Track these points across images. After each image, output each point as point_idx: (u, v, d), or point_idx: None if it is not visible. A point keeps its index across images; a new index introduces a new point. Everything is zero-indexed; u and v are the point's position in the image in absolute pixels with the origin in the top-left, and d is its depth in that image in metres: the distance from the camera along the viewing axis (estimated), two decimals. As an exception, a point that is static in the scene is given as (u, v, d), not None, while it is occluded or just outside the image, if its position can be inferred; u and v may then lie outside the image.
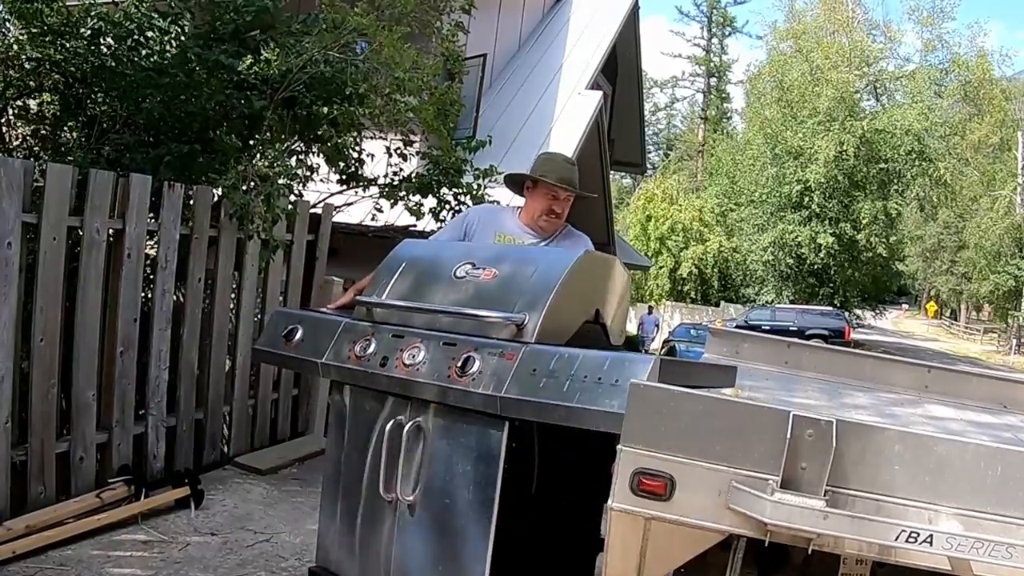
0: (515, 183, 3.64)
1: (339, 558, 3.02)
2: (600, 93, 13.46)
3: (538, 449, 2.64)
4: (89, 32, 5.10)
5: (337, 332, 2.99)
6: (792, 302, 30.36)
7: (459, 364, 2.59)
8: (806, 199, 30.54)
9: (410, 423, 2.75)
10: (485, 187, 6.62)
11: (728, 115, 57.92)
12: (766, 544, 1.94)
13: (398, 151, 6.52)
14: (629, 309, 3.29)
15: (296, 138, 5.82)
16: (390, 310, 2.91)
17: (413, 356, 2.71)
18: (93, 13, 5.14)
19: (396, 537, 2.80)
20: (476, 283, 2.82)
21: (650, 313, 26.23)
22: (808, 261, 30.90)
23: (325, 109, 5.57)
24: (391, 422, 2.79)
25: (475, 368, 2.57)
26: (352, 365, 2.86)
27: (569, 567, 3.15)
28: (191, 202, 4.88)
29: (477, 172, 6.61)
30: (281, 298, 5.79)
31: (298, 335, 3.08)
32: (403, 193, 6.43)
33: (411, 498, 2.74)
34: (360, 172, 6.29)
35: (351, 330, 2.96)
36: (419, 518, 2.75)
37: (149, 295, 4.76)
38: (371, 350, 2.83)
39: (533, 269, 2.79)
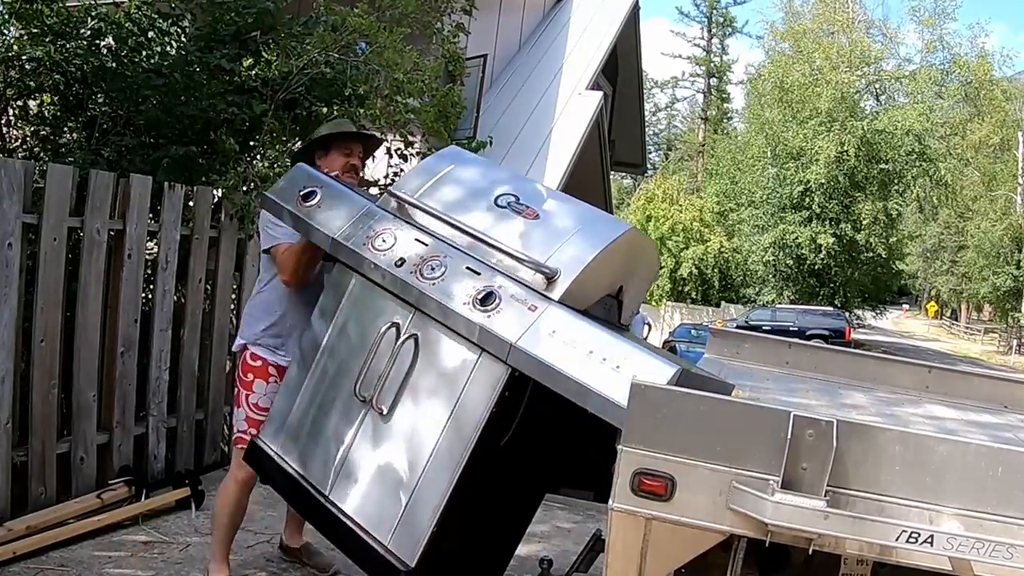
0: (306, 154, 3.56)
1: (287, 436, 2.89)
2: (600, 93, 13.48)
3: (524, 407, 2.54)
4: (89, 33, 5.10)
5: (358, 212, 2.83)
6: (793, 302, 30.36)
7: (480, 296, 2.49)
8: (807, 200, 30.53)
9: (408, 333, 2.63)
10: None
11: (728, 115, 57.89)
12: (767, 544, 1.95)
13: (398, 152, 6.52)
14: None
15: (296, 139, 5.82)
16: (419, 212, 2.75)
17: (433, 269, 2.60)
18: (94, 14, 5.15)
19: (358, 438, 2.69)
20: (515, 218, 2.67)
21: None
22: (808, 262, 30.89)
23: (325, 110, 5.57)
24: (387, 324, 2.67)
25: (494, 305, 2.46)
26: (365, 253, 2.71)
27: (495, 533, 3.09)
28: (191, 203, 4.88)
29: (478, 173, 6.60)
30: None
31: (316, 199, 2.90)
32: (403, 194, 6.43)
33: (386, 406, 2.64)
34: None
35: (373, 217, 2.79)
36: (389, 428, 2.64)
37: (150, 296, 4.76)
38: (389, 245, 2.70)
39: (579, 226, 2.65)
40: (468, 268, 2.58)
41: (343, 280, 2.86)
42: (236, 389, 3.50)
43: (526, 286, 2.50)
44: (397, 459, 2.61)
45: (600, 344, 2.33)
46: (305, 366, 2.90)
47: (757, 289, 34.68)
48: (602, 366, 2.27)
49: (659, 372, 2.23)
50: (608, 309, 2.79)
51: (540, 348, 2.36)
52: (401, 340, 2.63)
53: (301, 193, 2.94)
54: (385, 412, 2.64)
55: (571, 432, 2.61)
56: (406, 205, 2.78)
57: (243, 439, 3.38)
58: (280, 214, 3.05)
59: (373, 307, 2.76)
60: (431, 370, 2.61)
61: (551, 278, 2.48)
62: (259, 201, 3.88)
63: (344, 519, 2.66)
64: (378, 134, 6.50)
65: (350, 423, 2.72)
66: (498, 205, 2.72)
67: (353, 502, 2.67)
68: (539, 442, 2.81)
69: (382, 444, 2.65)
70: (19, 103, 5.29)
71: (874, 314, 38.96)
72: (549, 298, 2.47)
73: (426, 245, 2.67)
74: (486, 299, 2.48)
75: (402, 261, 2.65)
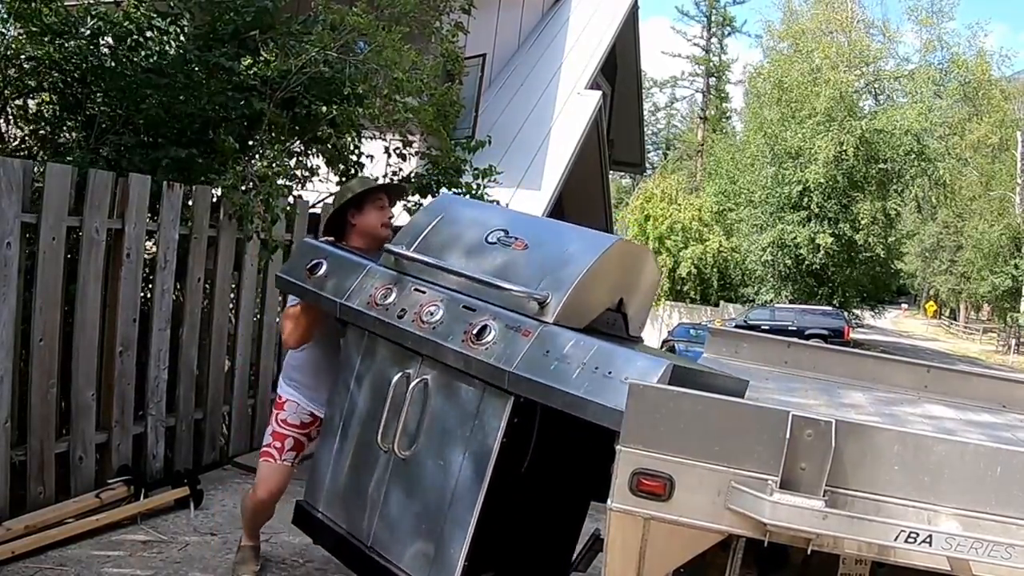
0: (336, 226, 3.56)
1: (328, 497, 3.04)
2: (599, 93, 13.47)
3: (538, 431, 2.61)
4: (88, 32, 5.10)
5: (361, 275, 2.99)
6: (791, 302, 30.35)
7: (475, 331, 2.59)
8: (805, 199, 30.51)
9: (418, 379, 2.74)
10: (484, 187, 6.61)
11: (727, 115, 57.86)
12: (765, 544, 1.95)
13: (397, 151, 6.52)
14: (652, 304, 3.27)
15: (295, 139, 5.81)
16: (416, 264, 2.89)
17: (431, 314, 2.71)
18: (93, 13, 5.14)
19: (386, 487, 2.81)
20: (506, 252, 2.79)
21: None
22: (807, 261, 30.89)
23: (324, 109, 5.57)
24: (399, 374, 2.79)
25: (490, 338, 2.55)
26: (370, 311, 2.86)
27: (543, 551, 3.14)
28: (190, 202, 4.88)
29: (476, 172, 6.60)
30: (280, 298, 5.79)
31: (322, 270, 3.08)
32: (402, 193, 6.44)
33: (406, 453, 2.75)
34: (359, 173, 6.28)
35: (374, 276, 2.96)
36: (411, 473, 2.75)
37: (148, 295, 4.75)
38: (391, 300, 2.84)
39: (565, 248, 2.75)
40: (464, 307, 2.69)
41: (357, 339, 3.02)
42: (272, 412, 3.62)
43: (521, 314, 2.59)
44: (424, 501, 2.72)
45: (590, 354, 2.39)
46: (335, 424, 3.06)
47: (756, 288, 34.66)
48: (594, 375, 2.33)
49: (650, 371, 2.26)
50: (613, 323, 2.84)
51: (534, 370, 2.44)
52: (411, 386, 2.75)
53: (308, 267, 3.13)
54: (406, 457, 2.76)
55: (593, 442, 2.62)
56: (402, 259, 2.94)
57: (267, 453, 3.53)
58: (292, 290, 3.25)
59: (384, 360, 2.91)
60: (443, 410, 2.71)
61: (543, 303, 2.57)
62: (276, 280, 3.94)
63: (389, 566, 2.78)
64: (377, 133, 6.52)
65: (379, 473, 2.86)
66: (488, 242, 2.85)
67: (393, 548, 2.79)
68: (567, 457, 2.86)
69: (409, 488, 2.77)
70: (18, 102, 5.28)
71: (873, 314, 38.94)
72: (543, 322, 2.54)
73: (423, 293, 2.80)
74: (481, 333, 2.58)
75: (403, 312, 2.79)
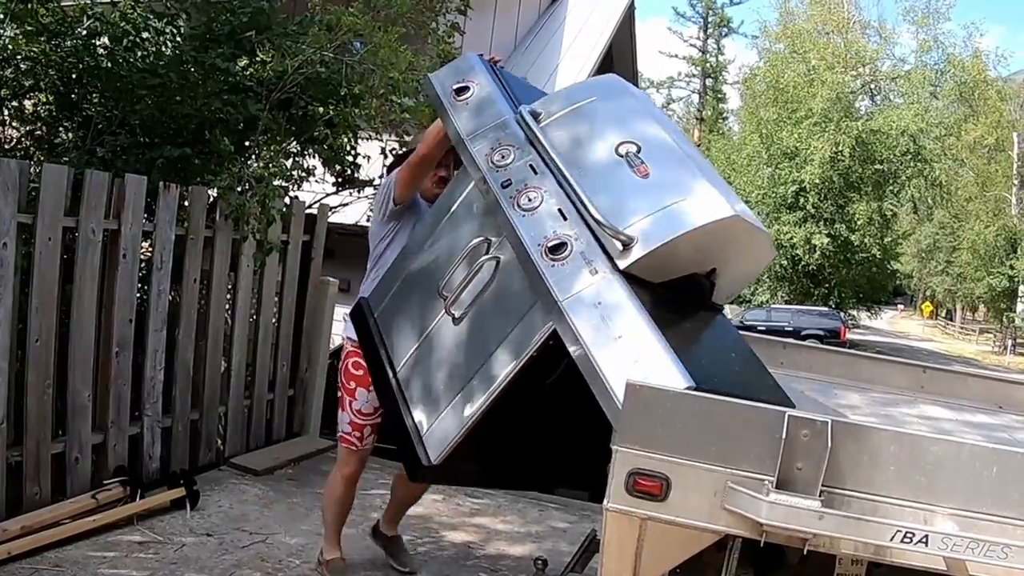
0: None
1: (385, 309, 3.10)
2: (596, 94, 13.45)
3: (566, 367, 2.48)
4: (85, 32, 5.09)
5: (494, 123, 2.82)
6: (787, 302, 30.39)
7: (553, 243, 2.47)
8: (801, 200, 30.55)
9: (492, 254, 2.68)
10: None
11: (724, 115, 57.88)
12: (762, 544, 1.95)
13: (394, 152, 6.51)
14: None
15: (292, 139, 5.81)
16: (538, 141, 2.71)
17: (530, 200, 2.58)
18: (89, 13, 5.14)
19: (431, 332, 2.85)
20: (625, 172, 2.59)
21: None
22: (803, 262, 30.92)
23: (321, 110, 5.56)
24: (480, 238, 2.72)
25: (562, 255, 2.44)
26: (482, 163, 2.73)
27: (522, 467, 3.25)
28: (186, 203, 4.87)
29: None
30: (276, 298, 5.78)
31: (468, 94, 2.92)
32: (399, 194, 6.42)
33: (459, 313, 2.74)
34: (356, 174, 6.28)
35: (504, 131, 2.78)
36: (452, 334, 2.77)
37: (145, 295, 4.75)
38: (505, 163, 2.70)
39: (681, 197, 2.53)
40: (559, 210, 2.55)
41: (464, 179, 2.93)
42: (339, 392, 3.70)
43: (600, 246, 2.45)
44: (453, 364, 2.75)
45: (633, 332, 2.26)
46: (418, 246, 3.06)
47: (752, 289, 34.67)
48: (623, 355, 2.23)
49: (671, 381, 2.14)
50: (697, 288, 2.72)
51: (577, 314, 2.34)
52: (485, 258, 2.70)
53: (456, 87, 2.96)
54: (456, 318, 2.76)
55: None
56: (533, 130, 2.75)
57: (347, 439, 3.66)
58: (431, 96, 3.09)
59: (476, 215, 2.82)
60: (498, 296, 2.67)
61: (627, 244, 2.42)
62: (423, 82, 3.92)
63: (400, 397, 2.87)
64: (373, 134, 6.52)
65: (430, 316, 2.88)
66: (617, 154, 2.65)
67: (411, 386, 2.87)
68: (577, 413, 2.73)
69: (446, 345, 2.80)
70: (14, 103, 5.27)
71: (869, 314, 38.98)
72: (615, 266, 2.41)
73: (536, 173, 2.65)
74: (557, 248, 2.46)
75: (509, 183, 2.65)
